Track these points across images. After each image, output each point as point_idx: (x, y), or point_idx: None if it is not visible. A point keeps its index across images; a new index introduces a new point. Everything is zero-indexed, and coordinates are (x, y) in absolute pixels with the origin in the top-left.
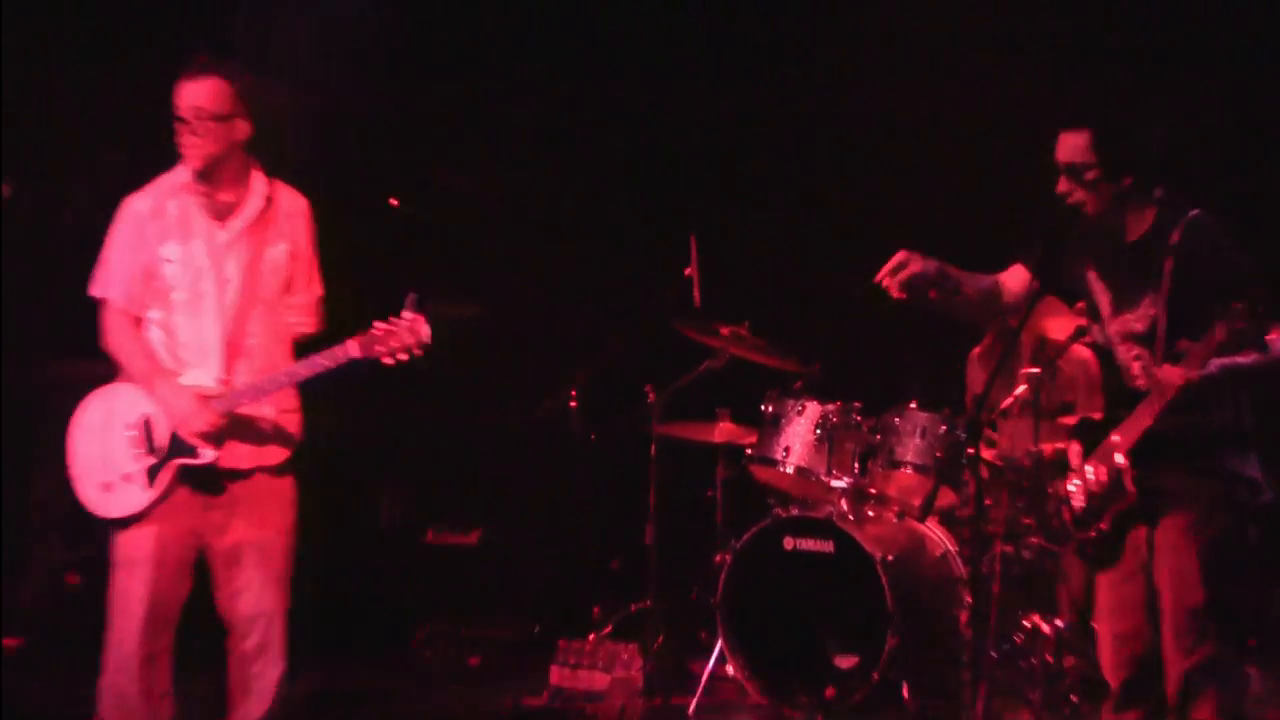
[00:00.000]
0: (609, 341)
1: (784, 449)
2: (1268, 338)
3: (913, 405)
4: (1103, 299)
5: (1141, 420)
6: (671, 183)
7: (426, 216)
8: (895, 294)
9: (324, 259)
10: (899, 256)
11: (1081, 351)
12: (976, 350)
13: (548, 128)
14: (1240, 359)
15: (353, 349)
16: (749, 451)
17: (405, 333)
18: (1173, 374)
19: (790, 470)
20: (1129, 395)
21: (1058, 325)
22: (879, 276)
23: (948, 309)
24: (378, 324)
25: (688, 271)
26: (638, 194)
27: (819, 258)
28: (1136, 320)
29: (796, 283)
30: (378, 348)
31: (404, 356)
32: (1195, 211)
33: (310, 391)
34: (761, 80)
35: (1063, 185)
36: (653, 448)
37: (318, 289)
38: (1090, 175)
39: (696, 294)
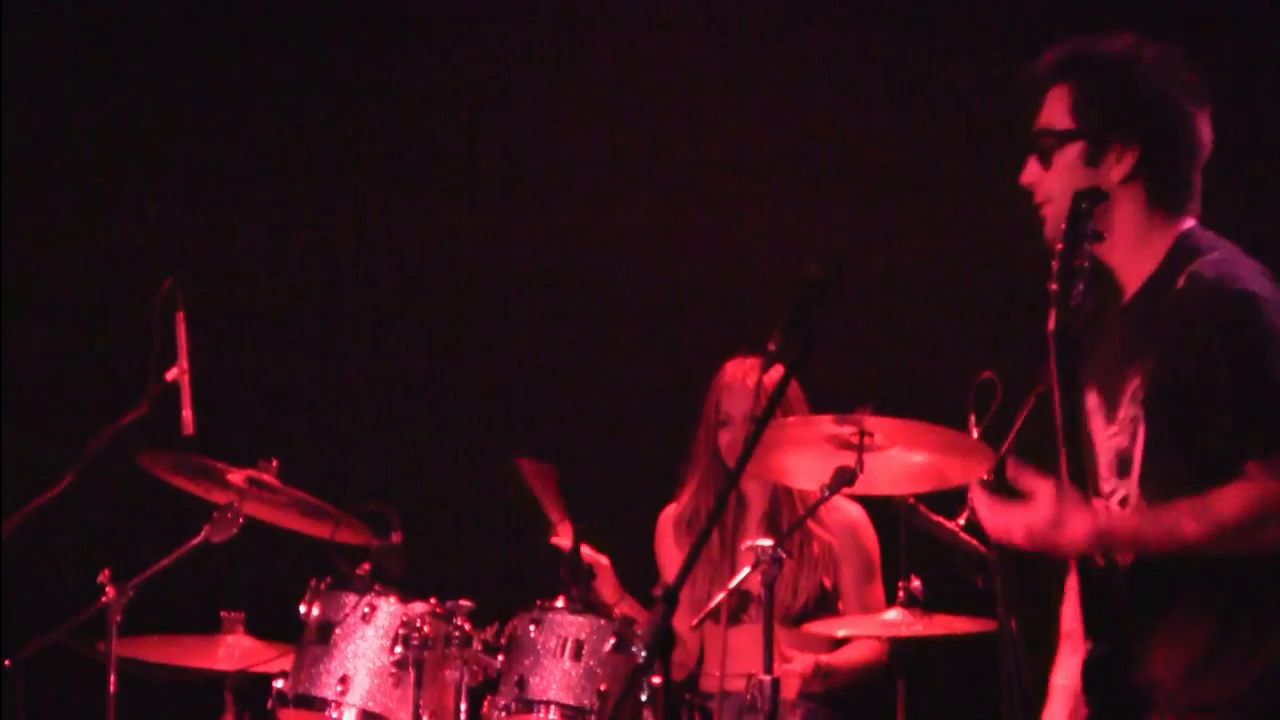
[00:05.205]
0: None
1: (338, 681)
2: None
3: (559, 603)
4: (1095, 410)
5: None
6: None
7: None
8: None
9: None
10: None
11: (847, 510)
12: (670, 509)
13: None
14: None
15: None
16: (278, 686)
17: None
18: (1072, 521)
19: (349, 718)
20: None
21: (804, 463)
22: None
23: None
24: None
25: (173, 372)
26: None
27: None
28: (1118, 433)
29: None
30: None
31: None
32: (1217, 252)
33: None
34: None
35: (1028, 172)
36: (111, 683)
37: None
38: (1068, 154)
39: (187, 408)
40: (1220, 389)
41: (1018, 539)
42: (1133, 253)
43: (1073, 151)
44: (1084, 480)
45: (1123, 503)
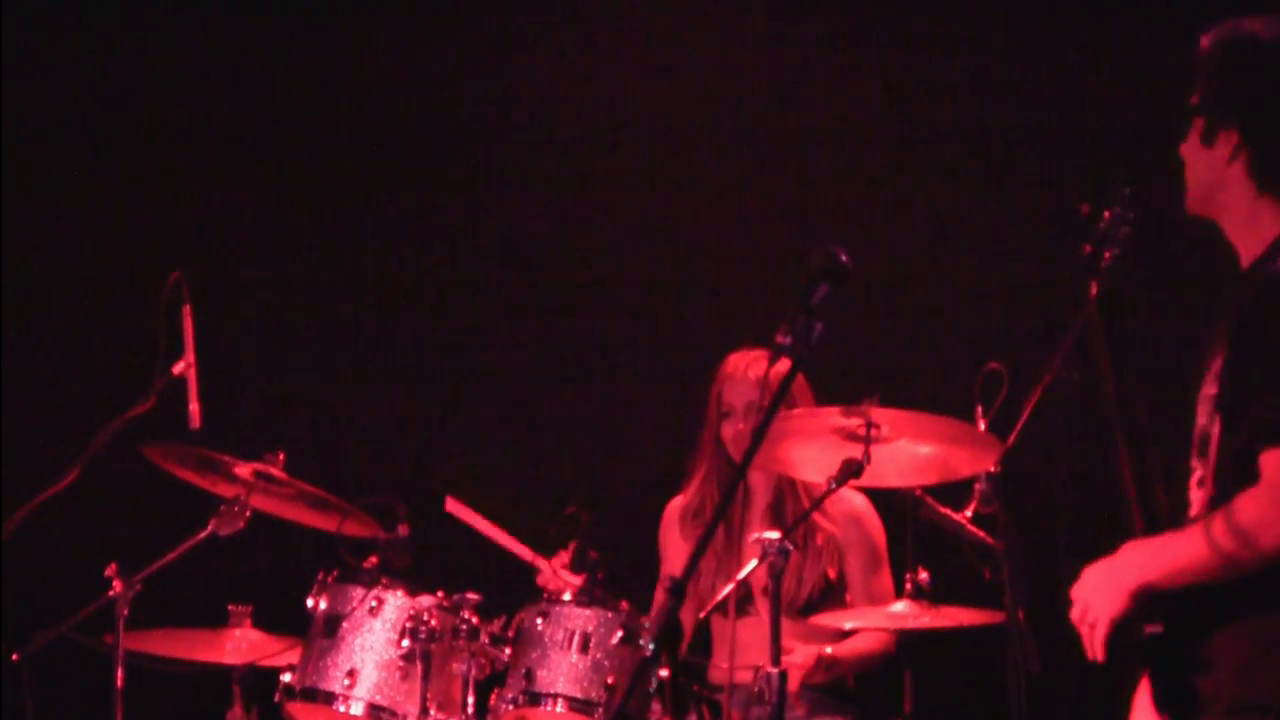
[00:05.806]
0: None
1: (345, 674)
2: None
3: (565, 596)
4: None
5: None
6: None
7: None
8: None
9: None
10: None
11: (851, 500)
12: (677, 500)
13: None
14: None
15: None
16: (286, 679)
17: None
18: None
19: (357, 711)
20: None
21: (810, 454)
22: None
23: None
24: None
25: (179, 366)
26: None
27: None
28: (1202, 411)
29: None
30: None
31: None
32: None
33: None
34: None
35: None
36: (118, 676)
37: None
38: (1195, 129)
39: (193, 401)
40: (1250, 375)
41: (1085, 628)
42: (1244, 235)
43: (1197, 127)
44: (1141, 457)
45: (1200, 483)
